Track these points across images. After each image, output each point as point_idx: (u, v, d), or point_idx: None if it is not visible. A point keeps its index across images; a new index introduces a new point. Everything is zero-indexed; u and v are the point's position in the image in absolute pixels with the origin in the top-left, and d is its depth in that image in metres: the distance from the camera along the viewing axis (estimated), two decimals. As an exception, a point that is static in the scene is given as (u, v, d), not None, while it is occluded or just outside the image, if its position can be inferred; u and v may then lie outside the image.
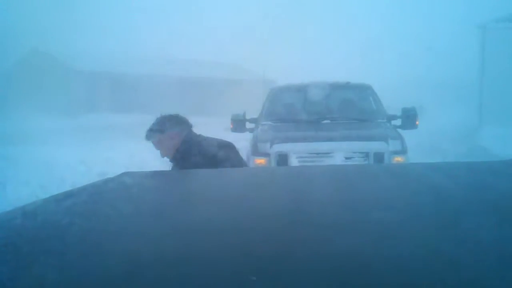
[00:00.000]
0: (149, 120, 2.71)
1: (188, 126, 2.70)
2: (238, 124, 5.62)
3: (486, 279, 0.65)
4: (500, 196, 1.19)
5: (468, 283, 0.64)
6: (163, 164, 2.71)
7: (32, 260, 0.80)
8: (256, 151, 4.71)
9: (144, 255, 0.79)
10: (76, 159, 8.36)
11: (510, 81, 13.61)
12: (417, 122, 5.57)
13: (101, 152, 9.14)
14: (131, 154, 8.80)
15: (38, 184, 6.04)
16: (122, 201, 1.30)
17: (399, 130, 5.30)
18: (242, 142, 4.81)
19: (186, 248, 0.82)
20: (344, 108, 5.72)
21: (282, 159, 4.49)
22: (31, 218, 1.09)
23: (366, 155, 4.43)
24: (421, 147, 9.61)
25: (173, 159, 2.62)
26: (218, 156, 2.48)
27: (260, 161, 4.58)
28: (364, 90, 6.10)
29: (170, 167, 2.61)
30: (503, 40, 14.61)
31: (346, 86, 6.06)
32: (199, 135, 2.71)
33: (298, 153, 4.50)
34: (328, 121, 5.36)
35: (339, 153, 4.42)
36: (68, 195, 1.33)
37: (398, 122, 5.62)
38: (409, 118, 5.52)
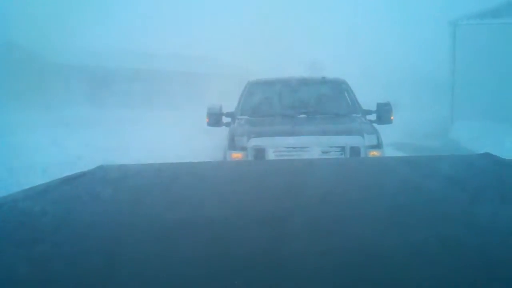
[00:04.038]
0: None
1: None
2: (214, 118, 5.57)
3: (467, 274, 0.66)
4: (477, 188, 1.22)
5: (448, 279, 0.64)
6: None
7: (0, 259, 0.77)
8: (233, 146, 4.69)
9: (118, 253, 0.77)
10: (46, 155, 8.12)
11: (480, 77, 13.97)
12: (392, 117, 5.66)
13: (74, 149, 8.91)
14: (105, 149, 8.62)
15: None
16: (97, 195, 1.27)
17: (375, 125, 5.37)
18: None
19: (162, 246, 0.80)
20: (320, 103, 5.77)
21: (259, 153, 4.49)
22: None
23: (342, 149, 4.48)
24: (396, 142, 9.78)
25: None
26: None
27: (237, 155, 4.57)
28: (339, 85, 6.16)
29: None
30: (474, 36, 14.94)
31: (322, 81, 6.11)
32: None
33: (275, 147, 4.51)
34: (304, 116, 5.39)
35: (316, 147, 4.45)
36: (40, 189, 1.29)
37: (373, 117, 5.70)
38: (384, 113, 5.60)
